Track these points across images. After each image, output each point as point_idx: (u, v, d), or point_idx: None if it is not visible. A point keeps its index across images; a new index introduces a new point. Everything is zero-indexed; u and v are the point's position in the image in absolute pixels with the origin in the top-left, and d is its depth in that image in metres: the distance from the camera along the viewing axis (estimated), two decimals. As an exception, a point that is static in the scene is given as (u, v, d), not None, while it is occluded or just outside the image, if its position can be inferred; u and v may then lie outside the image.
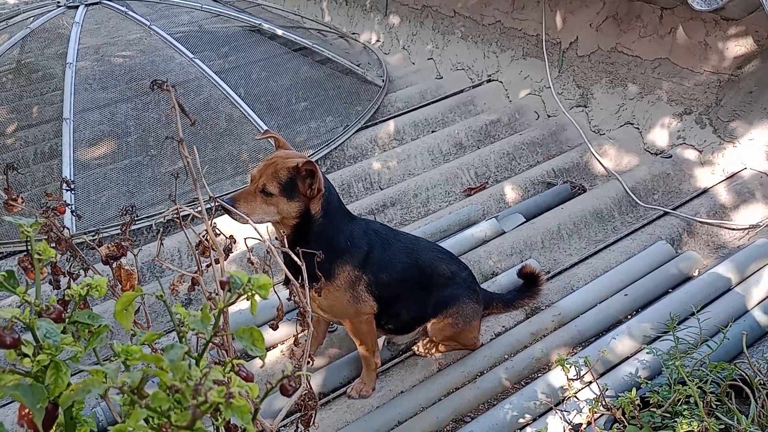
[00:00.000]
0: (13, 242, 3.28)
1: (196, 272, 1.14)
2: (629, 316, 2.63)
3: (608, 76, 3.94)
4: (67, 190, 1.31)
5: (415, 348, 2.51)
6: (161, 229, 1.65)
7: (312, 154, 3.86)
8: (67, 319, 0.81)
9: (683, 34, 3.50)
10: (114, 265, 1.26)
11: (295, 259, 1.24)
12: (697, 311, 2.20)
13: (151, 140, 4.02)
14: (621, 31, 3.85)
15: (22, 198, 1.23)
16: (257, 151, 3.87)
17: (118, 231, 3.34)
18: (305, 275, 1.26)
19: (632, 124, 3.77)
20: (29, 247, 0.84)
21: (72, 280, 1.24)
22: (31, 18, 4.53)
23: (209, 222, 0.99)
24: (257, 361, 2.36)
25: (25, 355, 0.74)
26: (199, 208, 0.95)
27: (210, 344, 0.79)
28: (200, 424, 0.67)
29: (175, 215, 1.17)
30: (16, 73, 4.68)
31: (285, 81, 4.60)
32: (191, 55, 4.09)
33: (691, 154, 3.41)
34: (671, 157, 3.44)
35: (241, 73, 4.49)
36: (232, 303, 0.76)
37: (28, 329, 0.77)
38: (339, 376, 2.45)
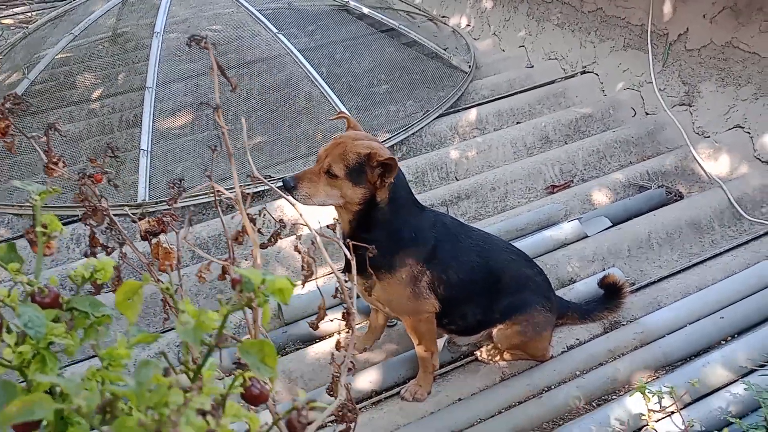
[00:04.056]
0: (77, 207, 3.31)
1: (226, 259, 1.03)
2: (722, 342, 2.35)
3: (719, 73, 3.56)
4: (111, 156, 1.22)
5: (478, 353, 2.33)
6: (189, 213, 1.54)
7: (388, 139, 3.72)
8: (64, 305, 0.71)
9: (813, 30, 3.10)
10: (152, 242, 1.16)
11: (345, 251, 1.10)
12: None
13: (230, 115, 4.00)
14: (739, 25, 3.46)
15: (63, 162, 1.15)
16: (333, 131, 3.76)
17: (186, 204, 3.33)
18: (354, 270, 1.12)
19: (743, 127, 3.39)
20: (34, 219, 0.74)
21: (106, 254, 1.15)
22: (127, -14, 4.60)
23: (243, 205, 0.86)
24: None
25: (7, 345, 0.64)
26: (233, 189, 0.83)
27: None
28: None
29: (214, 196, 1.07)
30: (111, 41, 4.79)
31: (368, 62, 4.47)
32: (275, 30, 4.02)
33: (810, 166, 3.02)
34: (787, 167, 3.07)
35: (325, 53, 4.40)
36: (239, 308, 0.63)
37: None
38: (394, 374, 2.31)
